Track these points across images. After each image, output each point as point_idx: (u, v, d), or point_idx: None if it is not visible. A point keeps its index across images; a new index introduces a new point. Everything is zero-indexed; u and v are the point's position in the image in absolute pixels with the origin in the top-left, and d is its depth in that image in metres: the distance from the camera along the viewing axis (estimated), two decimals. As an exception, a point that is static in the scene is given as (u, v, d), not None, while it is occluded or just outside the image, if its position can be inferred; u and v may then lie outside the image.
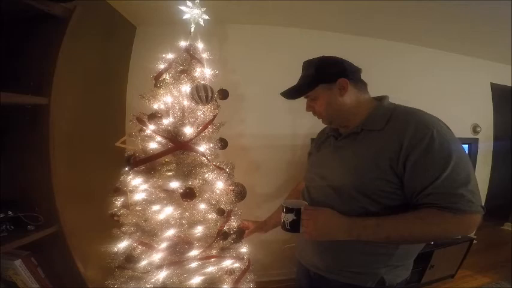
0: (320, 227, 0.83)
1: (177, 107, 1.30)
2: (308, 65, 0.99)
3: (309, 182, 1.04)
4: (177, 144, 1.22)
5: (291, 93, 0.99)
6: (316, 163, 1.05)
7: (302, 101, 1.05)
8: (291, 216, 0.87)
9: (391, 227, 0.76)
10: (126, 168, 1.23)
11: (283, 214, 0.88)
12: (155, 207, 1.20)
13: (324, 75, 0.92)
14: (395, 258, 0.86)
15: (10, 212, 1.05)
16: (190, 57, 1.37)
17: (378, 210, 0.80)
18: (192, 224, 1.22)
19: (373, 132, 0.84)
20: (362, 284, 0.87)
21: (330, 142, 1.03)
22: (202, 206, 1.23)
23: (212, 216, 1.23)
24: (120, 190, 1.28)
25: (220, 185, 1.27)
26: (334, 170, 0.91)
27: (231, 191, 1.31)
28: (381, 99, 0.95)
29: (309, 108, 0.99)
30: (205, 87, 1.23)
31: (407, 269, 0.93)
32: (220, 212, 1.22)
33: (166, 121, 1.26)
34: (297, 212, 0.86)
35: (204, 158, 1.26)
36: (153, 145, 1.24)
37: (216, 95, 1.33)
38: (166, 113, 1.29)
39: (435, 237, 0.80)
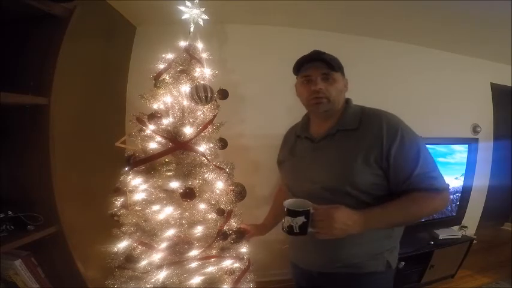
0: (338, 225, 0.80)
1: (176, 107, 1.30)
2: (322, 53, 0.97)
3: (296, 188, 1.02)
4: (177, 144, 1.22)
5: (321, 58, 0.94)
6: (298, 168, 1.03)
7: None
8: (300, 220, 0.81)
9: (393, 213, 0.86)
10: (126, 168, 1.23)
11: (289, 218, 0.82)
12: (155, 207, 1.20)
13: (342, 67, 0.99)
14: (393, 240, 0.98)
15: (10, 212, 1.05)
16: (189, 57, 1.37)
17: (369, 200, 0.89)
18: (192, 224, 1.22)
19: (349, 132, 0.94)
20: (373, 269, 0.94)
21: (304, 145, 1.04)
22: (202, 206, 1.23)
23: (212, 216, 1.23)
24: (120, 190, 1.28)
25: (220, 185, 1.28)
26: (324, 172, 0.94)
27: (231, 191, 1.31)
28: (347, 101, 1.04)
29: (320, 85, 0.94)
30: (205, 87, 1.23)
31: (397, 252, 1.02)
32: (220, 212, 1.22)
33: (166, 121, 1.26)
34: (306, 214, 0.81)
35: (204, 158, 1.26)
36: (153, 145, 1.24)
37: (215, 95, 1.33)
38: (166, 113, 1.29)
39: (427, 214, 0.91)
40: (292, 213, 0.82)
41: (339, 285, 0.97)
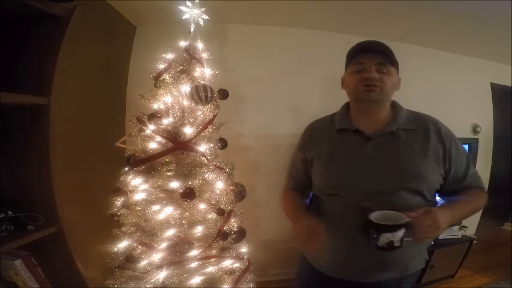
0: (443, 226, 0.77)
1: (176, 107, 1.30)
2: (379, 43, 0.92)
3: (351, 188, 0.89)
4: (177, 144, 1.22)
5: (379, 49, 0.90)
6: (356, 166, 0.90)
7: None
8: (401, 232, 0.76)
9: (463, 208, 0.90)
10: (126, 168, 1.23)
11: (388, 235, 0.75)
12: (155, 207, 1.20)
13: (397, 63, 0.94)
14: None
15: (10, 212, 1.04)
16: (190, 57, 1.38)
17: (430, 197, 0.91)
18: (192, 224, 1.22)
19: (411, 132, 0.91)
20: (417, 268, 0.96)
21: (355, 140, 0.93)
22: (202, 206, 1.24)
23: (212, 216, 1.23)
24: (120, 190, 1.28)
25: (220, 185, 1.28)
26: (399, 171, 0.87)
27: (231, 191, 1.31)
28: (394, 102, 0.99)
29: (376, 74, 0.88)
30: (205, 87, 1.23)
31: None
32: (220, 212, 1.22)
33: (166, 121, 1.26)
34: (405, 225, 0.76)
35: (204, 158, 1.26)
36: (153, 145, 1.24)
37: (215, 95, 1.33)
38: (166, 113, 1.29)
39: (478, 210, 0.96)
40: (393, 228, 0.75)
41: None
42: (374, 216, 0.78)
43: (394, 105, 0.98)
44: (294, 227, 0.91)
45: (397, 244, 0.76)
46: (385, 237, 0.75)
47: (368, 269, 0.90)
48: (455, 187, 0.93)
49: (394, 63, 0.91)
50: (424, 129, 0.92)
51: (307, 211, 1.00)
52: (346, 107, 1.02)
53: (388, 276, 0.91)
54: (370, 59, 0.89)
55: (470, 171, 0.94)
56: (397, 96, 1.00)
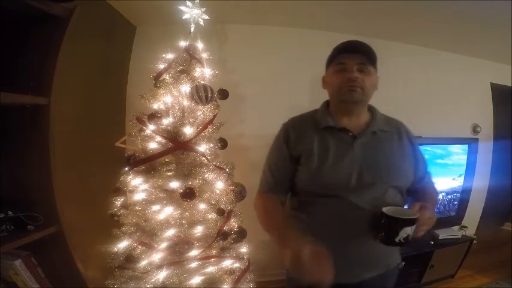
0: (435, 221, 0.86)
1: (176, 107, 1.30)
2: (362, 43, 0.92)
3: (341, 186, 0.88)
4: (177, 144, 1.22)
5: (361, 49, 0.91)
6: (346, 165, 0.88)
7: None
8: (413, 228, 0.77)
9: (435, 206, 0.98)
10: (126, 168, 1.23)
11: (408, 229, 0.76)
12: (155, 207, 1.20)
13: (376, 62, 0.95)
14: None
15: (10, 212, 1.04)
16: (190, 57, 1.38)
17: (405, 196, 0.97)
18: (192, 224, 1.22)
19: (387, 133, 0.96)
20: (396, 263, 1.00)
21: (342, 139, 0.92)
22: (202, 206, 1.24)
23: (212, 216, 1.23)
24: (120, 190, 1.28)
25: (220, 185, 1.28)
26: (389, 170, 0.90)
27: (231, 191, 1.31)
28: (369, 106, 1.04)
29: (358, 74, 0.89)
30: (205, 87, 1.23)
31: None
32: (220, 212, 1.22)
33: (166, 121, 1.26)
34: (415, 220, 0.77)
35: (204, 158, 1.26)
36: (153, 145, 1.24)
37: (215, 95, 1.33)
38: (166, 113, 1.29)
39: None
40: (412, 221, 0.77)
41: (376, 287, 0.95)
42: (387, 211, 0.79)
43: (371, 108, 1.03)
44: (285, 252, 0.78)
45: (410, 238, 0.78)
46: (404, 232, 0.77)
47: (355, 269, 0.90)
48: (417, 186, 0.99)
49: (374, 63, 0.93)
50: (397, 131, 0.99)
51: (291, 221, 0.96)
52: (326, 105, 1.03)
53: (373, 274, 0.92)
54: (352, 59, 0.90)
55: (427, 171, 1.03)
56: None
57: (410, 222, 0.77)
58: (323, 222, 0.88)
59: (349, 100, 0.91)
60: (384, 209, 0.80)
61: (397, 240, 0.78)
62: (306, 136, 0.96)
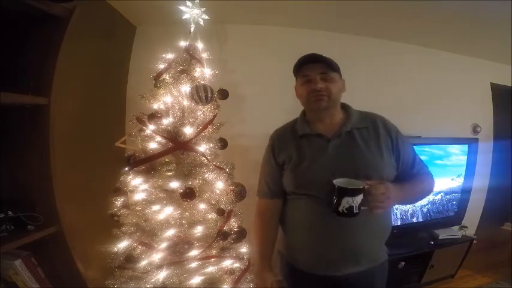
0: (393, 196, 0.86)
1: (177, 107, 1.30)
2: (320, 55, 1.00)
3: (322, 187, 0.93)
4: (177, 144, 1.22)
5: (320, 59, 0.99)
6: (321, 167, 0.96)
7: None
8: (360, 198, 0.78)
9: (410, 189, 0.99)
10: (126, 168, 1.23)
11: (349, 199, 0.78)
12: (155, 207, 1.20)
13: (339, 68, 1.03)
14: (389, 229, 1.05)
15: (10, 212, 1.05)
16: (190, 57, 1.38)
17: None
18: (192, 224, 1.22)
19: (363, 130, 1.01)
20: (384, 258, 1.04)
21: (317, 144, 1.00)
22: (202, 206, 1.24)
23: (212, 216, 1.23)
24: (120, 190, 1.28)
25: (220, 185, 1.28)
26: (358, 166, 0.94)
27: (231, 191, 1.31)
28: (344, 104, 1.10)
29: (322, 84, 0.98)
30: (205, 87, 1.23)
31: None
32: (220, 212, 1.22)
33: (166, 121, 1.26)
34: (364, 191, 0.78)
35: (204, 158, 1.26)
36: (153, 145, 1.24)
37: (216, 95, 1.33)
38: (166, 113, 1.29)
39: (428, 193, 1.07)
40: (353, 192, 0.77)
41: (364, 282, 0.99)
42: (339, 181, 0.82)
43: (345, 107, 1.08)
44: (256, 276, 1.12)
45: (356, 210, 0.79)
46: (345, 202, 0.79)
47: (336, 262, 0.96)
48: (406, 174, 1.02)
49: (335, 69, 1.01)
50: (373, 125, 1.02)
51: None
52: (303, 114, 1.13)
53: (359, 269, 0.97)
54: (314, 70, 0.99)
55: (417, 159, 1.05)
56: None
57: (351, 192, 0.78)
58: (303, 219, 1.00)
59: (318, 108, 1.01)
60: (334, 181, 0.82)
61: (340, 210, 0.80)
62: (287, 144, 1.07)
